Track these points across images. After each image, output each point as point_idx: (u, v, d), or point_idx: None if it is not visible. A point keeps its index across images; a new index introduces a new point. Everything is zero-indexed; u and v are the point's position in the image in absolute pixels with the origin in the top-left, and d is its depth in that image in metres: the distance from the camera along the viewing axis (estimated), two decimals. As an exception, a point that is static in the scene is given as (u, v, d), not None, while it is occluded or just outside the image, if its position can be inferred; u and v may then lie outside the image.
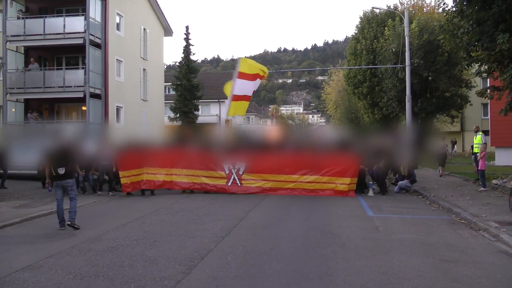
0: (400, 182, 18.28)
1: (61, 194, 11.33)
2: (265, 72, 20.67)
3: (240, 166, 18.15)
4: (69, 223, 11.09)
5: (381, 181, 17.96)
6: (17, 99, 27.75)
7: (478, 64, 19.78)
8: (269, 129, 65.56)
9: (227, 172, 18.19)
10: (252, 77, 19.84)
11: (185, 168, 18.29)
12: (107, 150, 17.88)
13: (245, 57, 21.61)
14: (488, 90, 20.04)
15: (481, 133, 19.77)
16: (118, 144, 18.44)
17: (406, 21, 26.65)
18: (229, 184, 18.09)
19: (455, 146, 46.15)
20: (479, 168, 17.81)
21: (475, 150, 19.87)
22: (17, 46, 28.02)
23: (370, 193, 17.50)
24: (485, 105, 42.09)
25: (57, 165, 11.07)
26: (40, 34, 26.72)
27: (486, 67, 19.32)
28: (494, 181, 18.98)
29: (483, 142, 19.38)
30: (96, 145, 18.04)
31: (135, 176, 17.90)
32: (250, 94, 20.27)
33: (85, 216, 13.38)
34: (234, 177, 18.10)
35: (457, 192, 17.16)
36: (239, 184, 18.02)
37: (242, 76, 19.71)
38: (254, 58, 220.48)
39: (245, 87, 19.72)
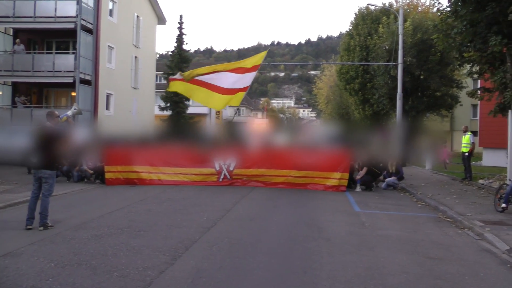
0: (387, 179, 18.32)
1: (37, 187, 9.95)
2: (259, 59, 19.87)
3: (231, 162, 17.96)
4: (41, 228, 9.57)
5: (367, 183, 17.86)
6: (4, 82, 27.48)
7: (469, 65, 19.86)
8: (260, 122, 65.41)
9: (218, 169, 18.02)
10: (241, 70, 19.25)
11: (174, 166, 17.99)
12: (94, 143, 17.66)
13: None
14: (479, 91, 20.12)
15: (469, 133, 19.92)
16: (105, 138, 18.19)
17: (400, 19, 26.69)
18: (220, 180, 17.94)
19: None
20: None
21: (463, 149, 19.99)
22: (5, 28, 27.66)
23: (358, 188, 17.49)
24: (474, 106, 42.29)
25: (35, 152, 9.94)
26: (31, 17, 26.37)
27: (477, 68, 19.38)
28: (480, 181, 19.10)
29: (471, 142, 19.54)
30: (84, 137, 17.88)
31: (120, 173, 17.72)
32: (239, 87, 19.31)
33: (71, 203, 13.32)
34: (224, 172, 17.94)
35: (444, 190, 17.22)
36: (229, 178, 17.92)
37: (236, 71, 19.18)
38: (247, 50, 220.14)
39: (233, 81, 19.10)
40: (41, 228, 9.62)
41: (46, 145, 9.91)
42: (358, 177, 17.70)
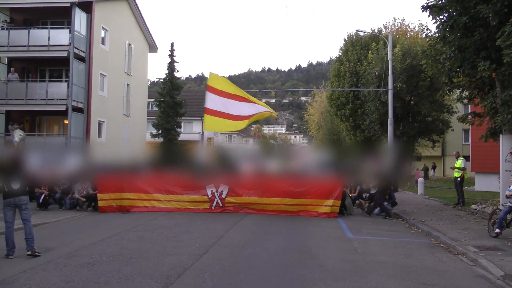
0: (380, 204, 18.29)
1: (12, 216, 9.65)
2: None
3: (223, 189, 17.87)
4: (29, 253, 9.45)
5: (380, 205, 17.71)
6: (-2, 110, 27.47)
7: (459, 90, 20.07)
8: (251, 149, 65.41)
9: (210, 196, 17.95)
10: (226, 94, 19.42)
11: (167, 193, 17.92)
12: (86, 171, 17.61)
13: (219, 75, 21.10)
14: (469, 116, 20.29)
15: (462, 158, 19.97)
16: (98, 165, 18.13)
17: (389, 45, 26.98)
18: (213, 207, 17.84)
19: (435, 170, 46.58)
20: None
21: (455, 174, 20.04)
22: (0, 57, 27.78)
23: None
24: (466, 131, 42.57)
25: (10, 179, 9.59)
26: (24, 46, 26.63)
27: (467, 93, 19.61)
28: (473, 206, 19.11)
29: (463, 167, 19.58)
30: (76, 165, 17.84)
31: (113, 200, 17.59)
32: (230, 112, 19.45)
33: (63, 230, 13.22)
34: (217, 200, 17.85)
35: (436, 216, 17.22)
36: (222, 206, 17.82)
37: (211, 90, 19.40)
38: (238, 77, 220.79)
39: (220, 103, 19.27)
40: (29, 252, 9.47)
41: (17, 172, 9.76)
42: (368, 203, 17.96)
